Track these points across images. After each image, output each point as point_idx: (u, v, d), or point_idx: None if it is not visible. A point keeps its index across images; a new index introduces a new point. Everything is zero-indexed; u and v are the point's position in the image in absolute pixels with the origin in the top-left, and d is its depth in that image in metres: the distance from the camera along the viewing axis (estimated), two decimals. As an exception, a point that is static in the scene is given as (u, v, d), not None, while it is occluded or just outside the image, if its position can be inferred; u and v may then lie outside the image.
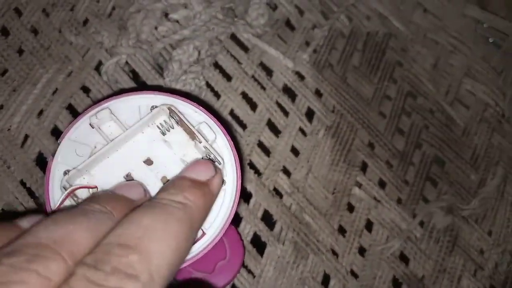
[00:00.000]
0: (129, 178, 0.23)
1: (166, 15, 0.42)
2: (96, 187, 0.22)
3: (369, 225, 0.39)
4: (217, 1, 0.42)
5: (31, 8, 0.41)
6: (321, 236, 0.38)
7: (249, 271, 0.36)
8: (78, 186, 0.22)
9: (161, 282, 0.16)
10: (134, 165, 0.24)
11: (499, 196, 0.42)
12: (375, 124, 0.42)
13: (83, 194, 0.22)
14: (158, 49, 0.40)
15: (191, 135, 0.24)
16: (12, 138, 0.37)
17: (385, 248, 0.38)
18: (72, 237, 0.16)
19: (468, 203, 0.41)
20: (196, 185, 0.21)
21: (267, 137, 0.40)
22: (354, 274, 0.38)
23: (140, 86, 0.39)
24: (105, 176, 0.23)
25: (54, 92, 0.38)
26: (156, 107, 0.24)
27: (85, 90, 0.39)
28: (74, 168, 0.22)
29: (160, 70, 0.40)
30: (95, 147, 0.24)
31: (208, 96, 0.40)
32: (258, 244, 0.37)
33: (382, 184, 0.41)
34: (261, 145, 0.39)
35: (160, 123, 0.24)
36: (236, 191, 0.24)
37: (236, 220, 0.37)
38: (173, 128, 0.24)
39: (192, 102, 0.25)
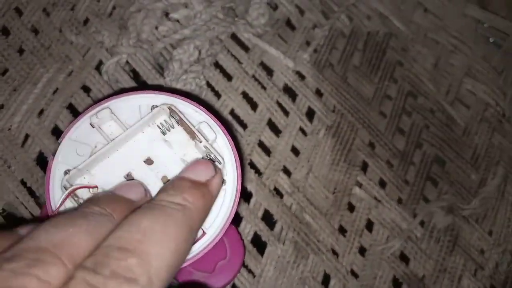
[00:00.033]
0: (129, 177, 0.23)
1: (166, 14, 0.42)
2: (96, 186, 0.22)
3: (369, 225, 0.39)
4: (217, 0, 0.42)
5: (32, 8, 0.41)
6: (322, 236, 0.38)
7: (250, 271, 0.36)
8: (79, 185, 0.22)
9: (160, 285, 0.16)
10: (135, 165, 0.24)
11: (499, 196, 0.42)
12: (376, 124, 0.42)
13: (83, 193, 0.22)
14: (158, 49, 0.40)
15: (192, 134, 0.24)
16: (12, 138, 0.37)
17: (385, 248, 0.38)
18: (72, 240, 0.16)
19: (469, 203, 0.41)
20: (195, 186, 0.21)
21: (268, 137, 0.40)
22: (354, 274, 0.38)
23: (141, 85, 0.39)
24: (106, 175, 0.23)
25: (55, 92, 0.38)
26: (156, 106, 0.24)
27: (86, 89, 0.39)
28: (74, 168, 0.22)
29: (160, 69, 0.40)
30: (96, 146, 0.24)
31: (208, 96, 0.40)
32: (259, 244, 0.37)
33: (382, 184, 0.41)
34: (261, 144, 0.39)
35: (161, 123, 0.24)
36: (237, 190, 0.24)
37: (236, 219, 0.37)
38: (173, 127, 0.24)
39: (193, 102, 0.25)
